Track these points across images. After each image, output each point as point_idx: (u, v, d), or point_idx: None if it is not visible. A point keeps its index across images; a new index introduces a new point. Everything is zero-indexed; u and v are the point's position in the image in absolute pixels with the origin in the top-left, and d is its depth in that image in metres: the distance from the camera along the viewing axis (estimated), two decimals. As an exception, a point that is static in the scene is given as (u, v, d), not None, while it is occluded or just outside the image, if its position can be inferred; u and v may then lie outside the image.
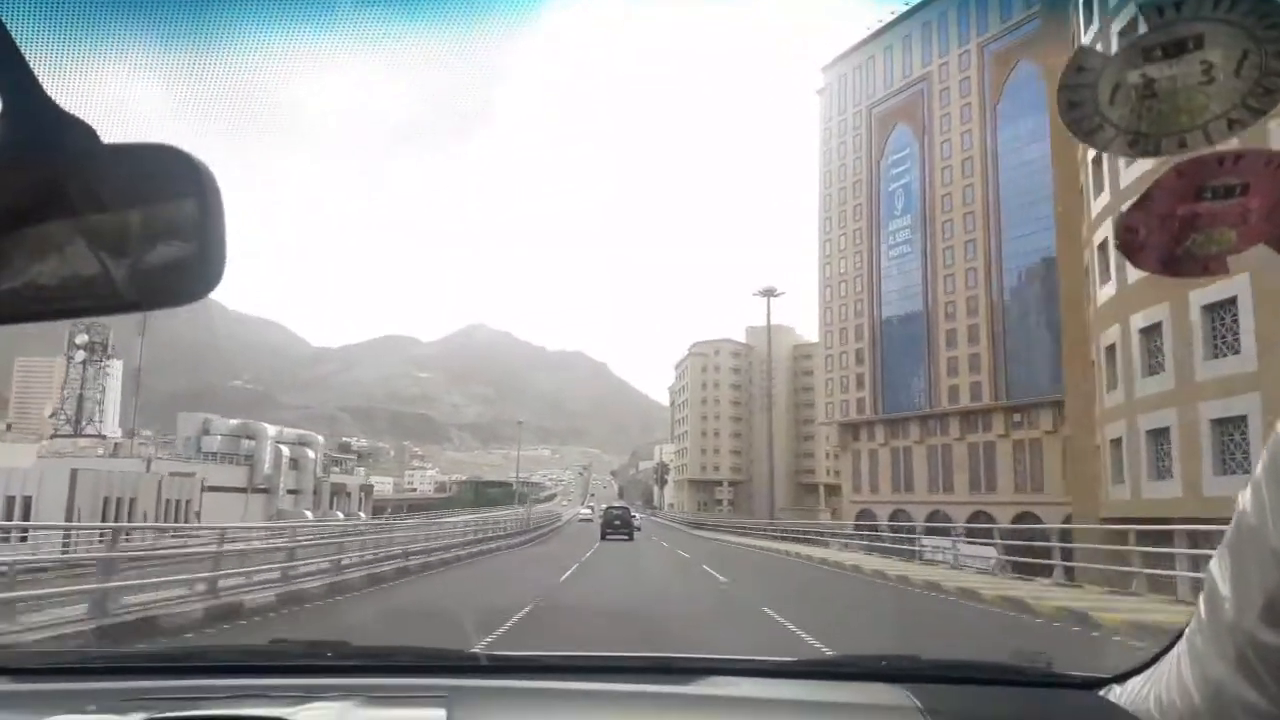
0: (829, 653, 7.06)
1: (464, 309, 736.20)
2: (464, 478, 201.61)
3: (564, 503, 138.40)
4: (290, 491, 63.49)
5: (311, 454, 65.78)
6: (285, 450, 62.66)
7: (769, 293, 53.23)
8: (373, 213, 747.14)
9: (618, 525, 39.37)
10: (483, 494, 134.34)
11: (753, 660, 1.84)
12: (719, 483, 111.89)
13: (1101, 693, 1.44)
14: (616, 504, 50.79)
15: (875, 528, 48.13)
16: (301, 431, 68.62)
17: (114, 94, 0.92)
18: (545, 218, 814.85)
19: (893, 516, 68.21)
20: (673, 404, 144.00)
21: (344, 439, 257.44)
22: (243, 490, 59.51)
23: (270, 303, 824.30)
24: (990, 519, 59.69)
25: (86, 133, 0.79)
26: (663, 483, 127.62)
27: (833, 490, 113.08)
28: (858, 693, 1.65)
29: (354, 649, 1.89)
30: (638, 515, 61.33)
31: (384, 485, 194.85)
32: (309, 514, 59.33)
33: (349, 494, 70.30)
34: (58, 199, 0.77)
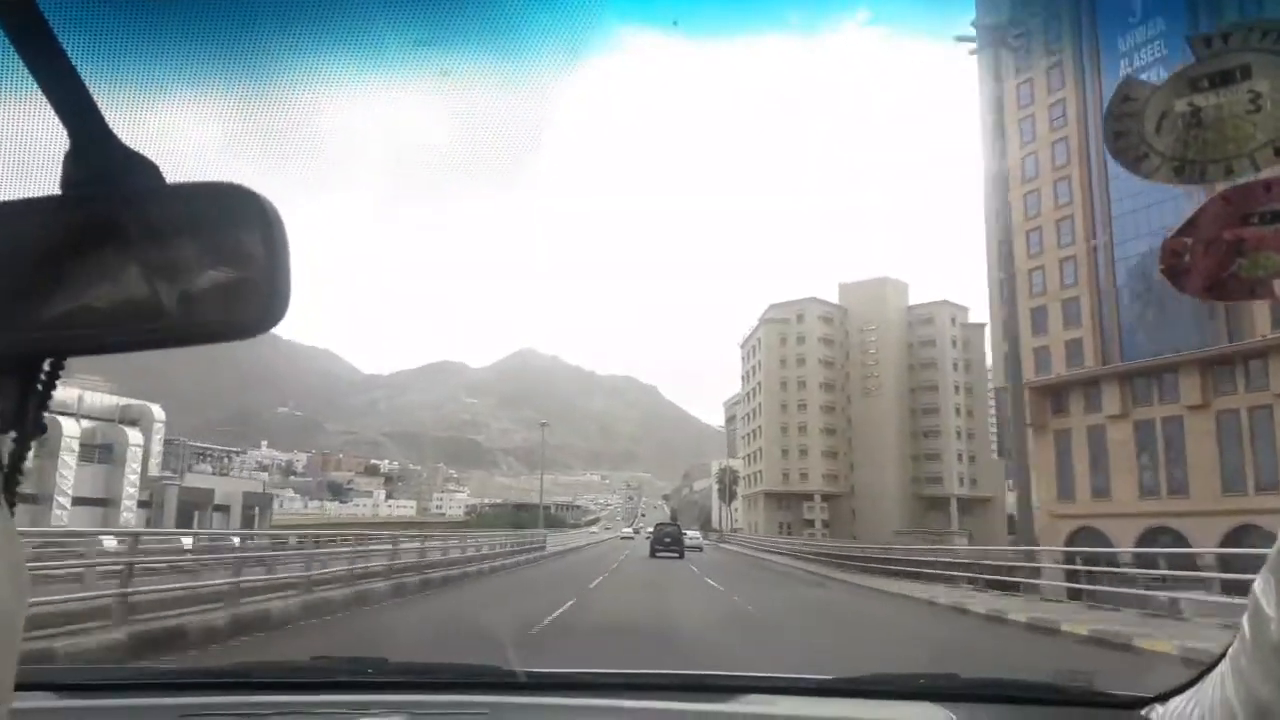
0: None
1: (514, 334, 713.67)
2: (499, 501, 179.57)
3: (593, 530, 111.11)
4: (88, 500, 34.67)
5: (137, 438, 36.95)
6: (69, 428, 33.66)
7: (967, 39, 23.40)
8: (425, 241, 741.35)
9: (668, 543, 37.50)
10: (512, 517, 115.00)
11: (790, 678, 1.79)
12: (808, 496, 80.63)
13: (1144, 712, 1.40)
14: (668, 523, 49.30)
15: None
16: (127, 401, 39.60)
17: (174, 131, 0.94)
18: (594, 241, 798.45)
19: (1146, 540, 36.98)
20: (730, 419, 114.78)
21: (372, 461, 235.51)
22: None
23: (323, 332, 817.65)
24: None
25: (150, 171, 0.79)
26: (730, 496, 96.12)
27: (969, 505, 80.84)
28: (896, 711, 1.64)
29: (395, 665, 1.85)
30: (695, 533, 53.53)
31: (405, 509, 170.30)
32: (109, 543, 30.21)
33: (220, 508, 41.15)
34: (122, 236, 0.76)
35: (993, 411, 73.15)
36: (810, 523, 77.76)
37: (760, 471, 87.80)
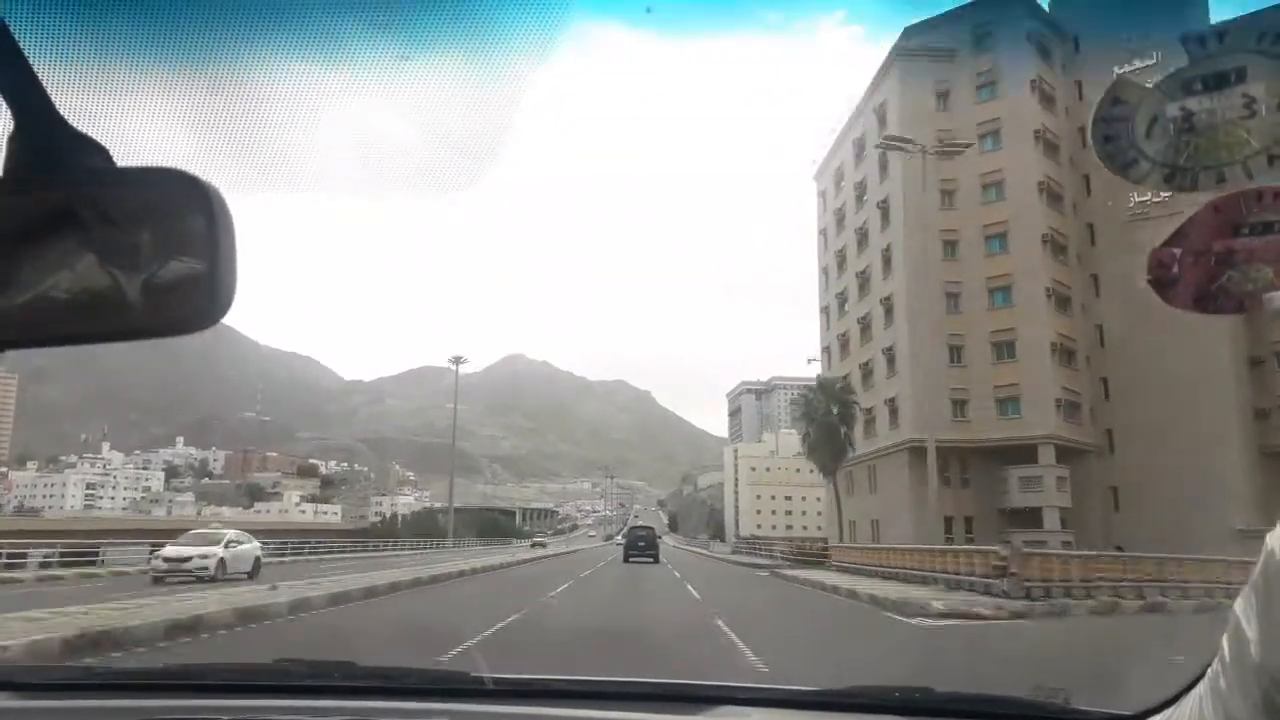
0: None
1: (502, 340, 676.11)
2: (458, 505, 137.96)
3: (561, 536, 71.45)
4: None
5: None
6: None
7: None
8: (409, 245, 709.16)
9: (642, 547, 36.13)
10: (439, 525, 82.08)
11: (764, 689, 1.74)
12: (1023, 451, 33.49)
13: None
14: (641, 526, 43.65)
15: None
16: None
17: (127, 115, 0.86)
18: (581, 244, 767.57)
19: None
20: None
21: (310, 461, 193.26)
22: None
23: (305, 338, 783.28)
24: None
25: (99, 153, 0.73)
26: (844, 445, 42.99)
27: None
28: None
29: (361, 670, 1.77)
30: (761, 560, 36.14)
31: (329, 515, 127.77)
32: None
33: None
34: (67, 220, 0.69)
35: None
36: (1027, 515, 31.82)
37: (892, 401, 37.99)
